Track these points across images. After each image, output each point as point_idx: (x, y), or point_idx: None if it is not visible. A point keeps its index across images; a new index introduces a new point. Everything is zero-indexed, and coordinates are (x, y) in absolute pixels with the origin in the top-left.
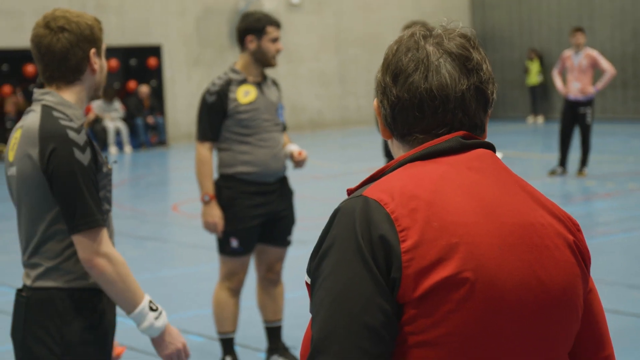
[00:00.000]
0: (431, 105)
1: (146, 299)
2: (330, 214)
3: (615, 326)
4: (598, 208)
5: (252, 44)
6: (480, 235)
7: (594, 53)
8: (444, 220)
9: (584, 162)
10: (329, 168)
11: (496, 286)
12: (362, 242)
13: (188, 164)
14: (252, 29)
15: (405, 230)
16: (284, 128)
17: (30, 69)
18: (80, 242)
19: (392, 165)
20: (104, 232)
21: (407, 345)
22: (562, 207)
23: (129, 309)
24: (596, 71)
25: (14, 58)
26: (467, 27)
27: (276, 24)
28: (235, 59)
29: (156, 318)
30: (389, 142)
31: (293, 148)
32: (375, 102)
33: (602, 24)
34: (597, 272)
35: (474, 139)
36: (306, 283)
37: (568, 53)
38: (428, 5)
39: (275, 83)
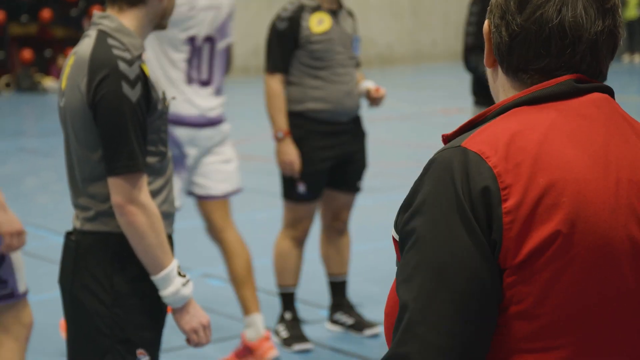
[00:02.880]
0: (559, 45)
1: (175, 262)
2: (401, 158)
3: None
4: None
5: None
6: (592, 193)
7: None
8: (552, 176)
9: None
10: (400, 109)
11: (608, 254)
12: (463, 199)
13: (243, 100)
14: None
15: (508, 187)
16: (358, 63)
17: None
18: (116, 185)
19: (493, 110)
20: (144, 179)
21: (507, 315)
22: None
23: (156, 269)
24: None
25: None
26: None
27: None
28: None
29: (184, 285)
30: (489, 71)
31: (369, 84)
32: (486, 24)
33: None
34: None
35: (589, 82)
36: (393, 238)
37: None
38: None
39: (351, 13)
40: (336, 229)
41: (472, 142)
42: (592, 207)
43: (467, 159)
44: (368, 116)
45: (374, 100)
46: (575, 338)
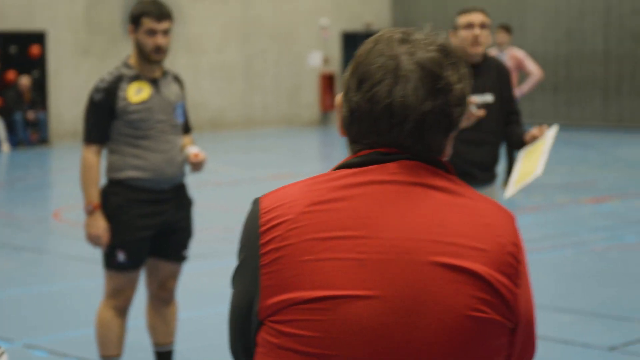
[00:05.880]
0: (388, 123)
1: None
2: (232, 224)
3: (541, 353)
4: (523, 223)
5: (132, 35)
6: (342, 251)
7: (520, 54)
8: (305, 236)
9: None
10: (232, 174)
11: (353, 305)
12: (246, 249)
13: (72, 165)
14: (131, 17)
15: (266, 244)
16: (188, 129)
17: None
18: None
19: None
20: None
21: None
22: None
23: None
24: (523, 72)
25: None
26: (450, 40)
27: (154, 15)
28: (129, 49)
29: None
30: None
31: (191, 150)
32: (339, 97)
33: (534, 23)
34: None
35: (397, 154)
36: None
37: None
38: None
39: (177, 79)
40: (162, 299)
41: (267, 196)
42: (340, 262)
43: (254, 213)
44: (198, 182)
45: (194, 166)
46: None
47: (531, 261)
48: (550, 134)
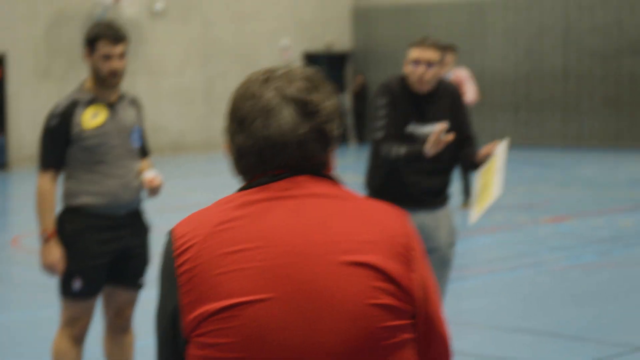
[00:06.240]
0: (270, 152)
1: None
2: None
3: None
4: (483, 243)
5: (88, 58)
6: (245, 261)
7: (463, 74)
8: (214, 253)
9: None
10: (192, 197)
11: (256, 308)
12: (161, 277)
13: (32, 190)
14: (86, 41)
15: (180, 266)
16: (145, 153)
17: None
18: None
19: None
20: None
21: None
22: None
23: None
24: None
25: None
26: (311, 68)
27: (110, 39)
28: None
29: None
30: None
31: (146, 175)
32: (225, 144)
33: (494, 42)
34: (480, 316)
35: (286, 173)
36: None
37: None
38: (307, 17)
39: (135, 102)
40: (119, 327)
41: (178, 225)
42: (247, 271)
43: (168, 242)
44: (158, 206)
45: (151, 191)
46: None
47: (491, 281)
48: (501, 150)
